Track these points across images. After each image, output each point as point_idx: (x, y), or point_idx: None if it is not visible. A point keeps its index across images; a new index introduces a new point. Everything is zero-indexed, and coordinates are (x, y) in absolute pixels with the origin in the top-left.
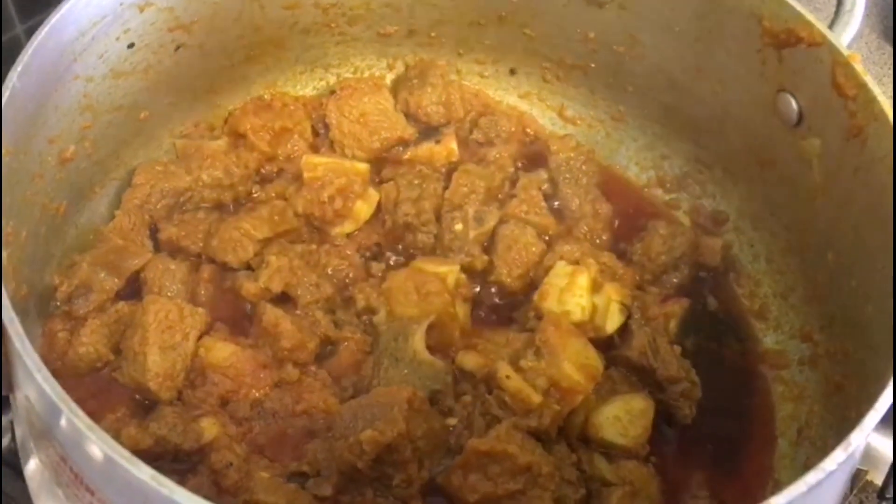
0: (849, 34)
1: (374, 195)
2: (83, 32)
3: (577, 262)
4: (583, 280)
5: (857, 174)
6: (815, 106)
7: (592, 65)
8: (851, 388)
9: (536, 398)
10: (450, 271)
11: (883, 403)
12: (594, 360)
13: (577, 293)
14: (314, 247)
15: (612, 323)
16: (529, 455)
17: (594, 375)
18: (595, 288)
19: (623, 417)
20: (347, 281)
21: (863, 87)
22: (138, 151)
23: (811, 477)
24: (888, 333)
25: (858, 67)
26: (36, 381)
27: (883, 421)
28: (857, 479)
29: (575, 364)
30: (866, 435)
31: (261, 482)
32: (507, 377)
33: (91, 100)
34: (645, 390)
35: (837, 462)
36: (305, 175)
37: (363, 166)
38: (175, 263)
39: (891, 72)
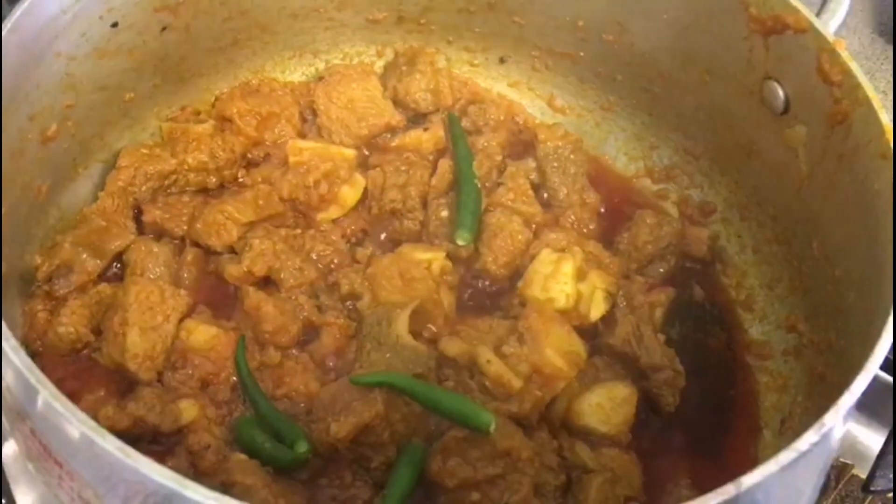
0: (835, 22)
1: (360, 181)
2: (65, 9)
3: (562, 251)
4: (567, 267)
5: (842, 161)
6: (801, 93)
7: (582, 53)
8: (833, 378)
9: (517, 383)
10: (435, 258)
11: (858, 386)
12: (577, 347)
13: (562, 280)
14: (299, 231)
15: (596, 310)
16: (509, 440)
17: (577, 362)
18: (580, 276)
19: (606, 405)
20: (332, 266)
21: (847, 73)
22: (123, 133)
23: (783, 456)
24: (869, 321)
25: (843, 54)
26: (9, 358)
27: (870, 414)
28: (843, 473)
29: (557, 351)
30: (841, 416)
31: (238, 464)
32: (488, 362)
33: (74, 79)
34: (628, 378)
35: (810, 442)
36: (291, 159)
37: (350, 152)
38: (158, 246)
39: (883, 65)
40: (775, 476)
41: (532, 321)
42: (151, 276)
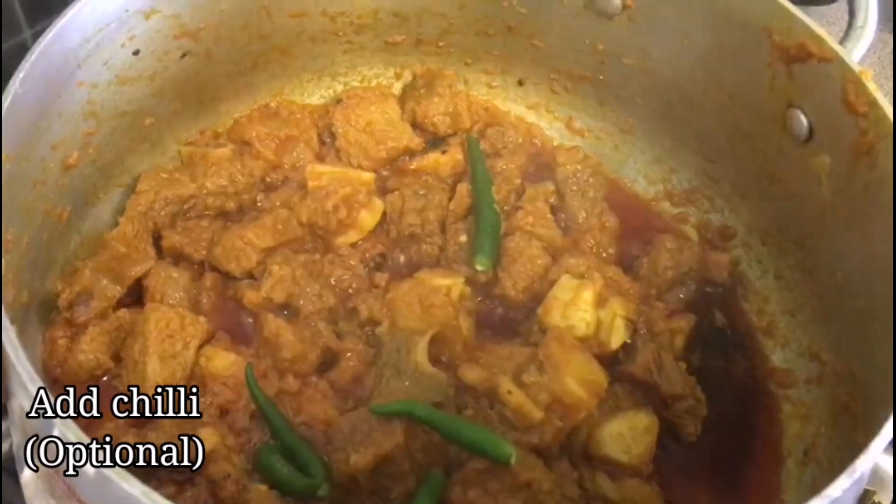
0: (860, 50)
1: (378, 205)
2: (87, 39)
3: (582, 276)
4: (587, 294)
5: (867, 191)
6: (825, 122)
7: (601, 77)
8: (857, 409)
9: (538, 414)
10: (454, 284)
11: (888, 430)
12: (598, 375)
13: (582, 307)
14: (317, 256)
15: (616, 338)
16: (530, 472)
17: (597, 392)
18: (600, 302)
19: (626, 434)
20: (351, 291)
21: (873, 104)
22: (143, 158)
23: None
24: (893, 353)
25: (870, 84)
26: (28, 391)
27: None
28: (864, 500)
29: (578, 380)
30: (872, 460)
31: (257, 494)
32: (509, 392)
33: (95, 106)
34: (649, 407)
35: (842, 489)
36: (310, 184)
37: (368, 175)
38: (177, 271)
39: (885, 55)
40: None
41: (552, 349)
42: (171, 302)
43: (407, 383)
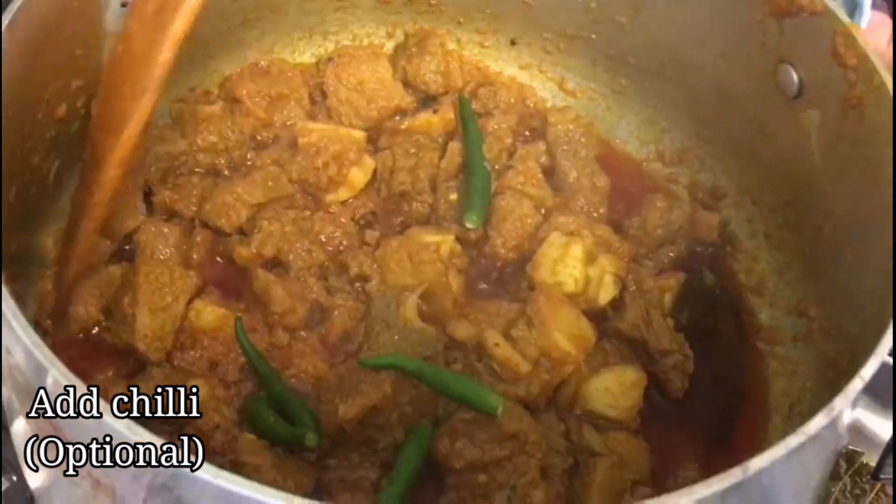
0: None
1: (369, 163)
2: None
3: (572, 234)
4: (576, 251)
5: (856, 146)
6: (815, 77)
7: (594, 36)
8: (844, 364)
9: (525, 367)
10: (444, 241)
11: (868, 371)
12: (586, 331)
13: (571, 264)
14: (308, 213)
15: (605, 295)
16: (516, 423)
17: (585, 346)
18: (589, 259)
19: (614, 389)
20: (341, 248)
21: (863, 56)
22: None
23: (791, 440)
24: (880, 307)
25: (859, 37)
26: (18, 337)
27: (881, 403)
28: (853, 461)
29: (566, 334)
30: (850, 400)
31: (246, 444)
32: (497, 345)
33: (84, 59)
34: (637, 363)
35: (819, 426)
36: (300, 140)
37: (359, 133)
38: (168, 227)
39: None
40: (783, 460)
41: (541, 305)
42: (161, 257)
43: (396, 337)
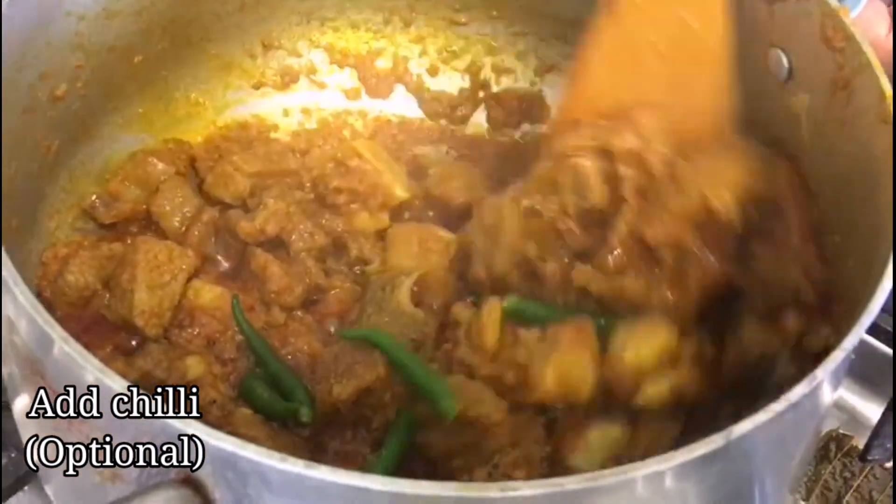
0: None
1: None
2: None
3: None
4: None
5: (843, 128)
6: (805, 61)
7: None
8: (832, 344)
9: (491, 341)
10: (453, 241)
11: (849, 342)
12: (582, 383)
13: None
14: (312, 196)
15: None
16: (476, 407)
17: (568, 396)
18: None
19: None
20: (345, 236)
21: (850, 39)
22: (133, 97)
23: (774, 406)
24: (866, 287)
25: (846, 20)
26: (22, 307)
27: (870, 385)
28: (842, 444)
29: (558, 372)
30: (830, 371)
31: (242, 418)
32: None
33: (83, 38)
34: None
35: (801, 394)
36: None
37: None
38: (193, 192)
39: None
40: (765, 427)
41: (567, 332)
42: (175, 219)
43: (386, 319)
